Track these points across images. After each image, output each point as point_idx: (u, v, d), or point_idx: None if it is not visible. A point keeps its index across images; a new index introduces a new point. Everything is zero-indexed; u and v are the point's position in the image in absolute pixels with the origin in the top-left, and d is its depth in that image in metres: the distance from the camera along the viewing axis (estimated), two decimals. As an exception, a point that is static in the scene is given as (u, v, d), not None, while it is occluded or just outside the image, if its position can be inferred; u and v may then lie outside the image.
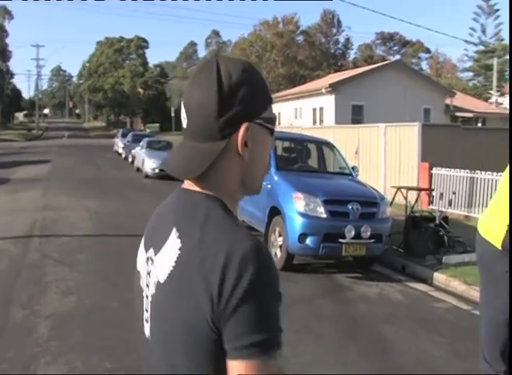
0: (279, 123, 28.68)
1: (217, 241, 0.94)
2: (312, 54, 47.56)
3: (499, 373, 3.60)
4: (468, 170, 11.91)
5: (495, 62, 44.51)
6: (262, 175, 1.11)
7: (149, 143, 21.36)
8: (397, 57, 52.95)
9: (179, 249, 0.98)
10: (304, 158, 9.22)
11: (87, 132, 61.63)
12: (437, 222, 7.91)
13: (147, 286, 1.06)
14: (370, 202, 6.98)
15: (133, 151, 23.12)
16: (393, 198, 9.07)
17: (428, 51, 59.74)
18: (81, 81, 70.49)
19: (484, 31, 49.61)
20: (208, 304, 0.91)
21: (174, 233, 1.01)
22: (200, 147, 1.02)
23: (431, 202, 11.64)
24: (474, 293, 5.76)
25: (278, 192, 7.56)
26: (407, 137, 13.61)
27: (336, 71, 39.40)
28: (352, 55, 58.61)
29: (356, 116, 24.30)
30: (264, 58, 38.36)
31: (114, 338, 4.46)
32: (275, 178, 7.80)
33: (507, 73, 50.60)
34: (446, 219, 8.20)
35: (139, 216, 10.65)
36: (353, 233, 6.53)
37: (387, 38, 58.21)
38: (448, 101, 27.89)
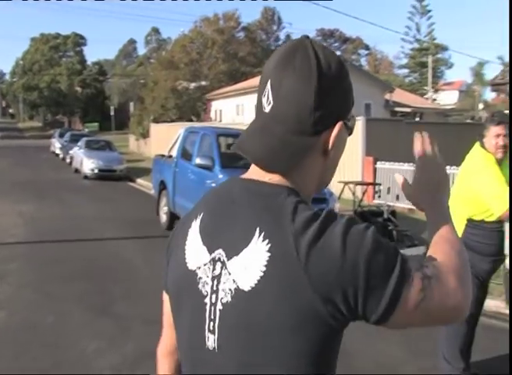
0: (221, 120, 28.38)
1: (328, 251, 0.86)
2: (253, 51, 47.48)
3: (459, 371, 3.56)
4: (412, 163, 12.04)
5: (429, 59, 45.84)
6: (330, 179, 1.06)
7: (88, 143, 20.68)
8: (338, 53, 53.46)
9: (269, 252, 0.88)
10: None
11: (22, 132, 59.05)
12: (385, 216, 7.85)
13: (214, 292, 0.94)
14: (319, 198, 6.73)
15: (70, 151, 22.37)
16: (341, 193, 8.95)
17: (367, 47, 61.01)
18: (15, 79, 67.59)
19: (418, 30, 51.01)
20: (340, 312, 0.86)
21: (258, 235, 0.90)
22: (291, 140, 0.94)
23: (378, 196, 11.68)
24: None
25: (224, 191, 7.28)
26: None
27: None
28: (292, 51, 58.93)
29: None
30: (205, 54, 37.80)
31: (47, 359, 4.05)
32: (220, 176, 7.51)
33: (440, 70, 52.37)
34: (393, 213, 8.16)
35: (77, 220, 10.14)
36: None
37: (328, 35, 58.91)
38: (387, 96, 28.46)
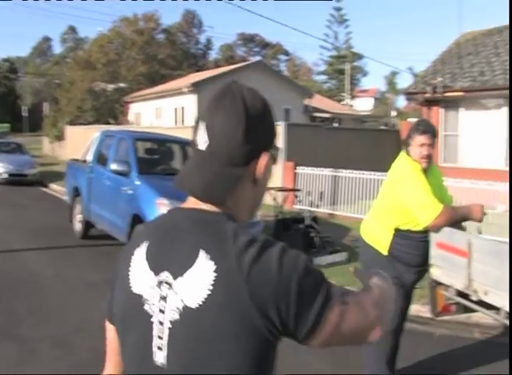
0: (139, 124, 27.71)
1: (266, 268, 0.98)
2: (173, 53, 46.98)
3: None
4: (332, 169, 12.25)
5: (347, 66, 47.39)
6: (259, 203, 1.16)
7: (-4, 145, 19.44)
8: (258, 58, 54.14)
9: (215, 272, 0.98)
10: (167, 160, 8.70)
11: None
12: (307, 223, 7.86)
13: (161, 311, 1.03)
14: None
15: (-23, 154, 20.90)
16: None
17: (286, 53, 62.05)
18: None
19: (336, 38, 52.62)
20: (274, 326, 0.98)
21: (203, 256, 1.00)
22: (225, 172, 1.06)
23: (299, 201, 11.75)
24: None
25: (140, 198, 6.98)
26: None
27: (197, 71, 39.18)
28: (213, 55, 59.03)
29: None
30: (124, 55, 36.84)
31: None
32: (137, 183, 7.21)
33: (356, 77, 54.26)
34: (315, 219, 8.20)
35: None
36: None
37: (248, 39, 59.37)
38: (306, 101, 28.98)
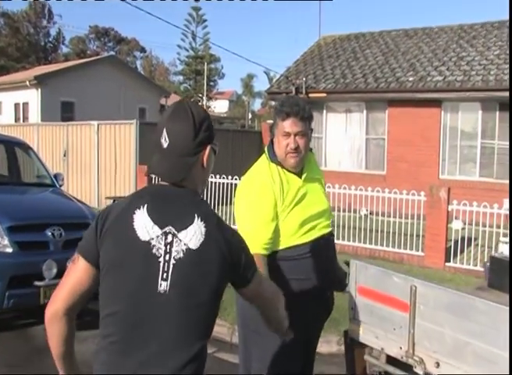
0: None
1: (223, 227, 1.58)
2: (18, 44, 42.68)
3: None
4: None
5: (205, 67, 46.60)
6: (207, 181, 1.72)
7: None
8: (112, 54, 51.19)
9: (205, 227, 1.52)
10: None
11: None
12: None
13: (167, 253, 1.47)
14: (78, 224, 5.12)
15: None
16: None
17: (143, 50, 59.46)
18: None
19: (194, 38, 51.57)
20: (226, 266, 1.54)
21: (197, 218, 1.52)
22: (182, 160, 1.57)
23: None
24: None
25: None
26: (124, 136, 12.17)
27: (46, 64, 35.67)
28: (64, 49, 54.66)
29: (66, 113, 21.78)
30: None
31: None
32: None
33: (213, 79, 53.90)
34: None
35: None
36: (55, 270, 4.66)
37: (102, 33, 55.68)
38: (163, 101, 27.69)
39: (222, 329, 5.30)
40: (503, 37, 13.34)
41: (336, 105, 13.67)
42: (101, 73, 23.76)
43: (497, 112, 11.84)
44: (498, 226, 7.65)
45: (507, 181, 11.62)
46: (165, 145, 1.55)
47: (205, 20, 51.67)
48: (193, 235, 1.46)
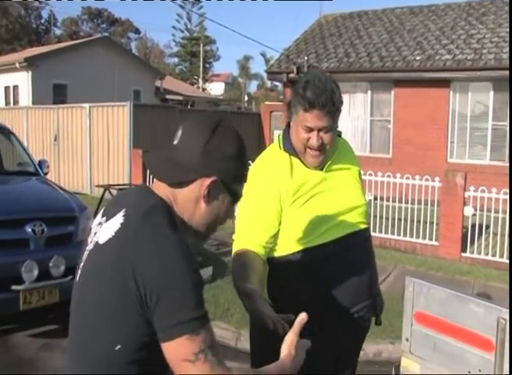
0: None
1: (144, 241, 1.19)
2: (9, 26, 41.74)
3: None
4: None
5: (201, 48, 45.79)
6: (206, 225, 1.35)
7: None
8: (105, 35, 50.15)
9: (121, 224, 1.25)
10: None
11: None
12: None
13: (90, 243, 1.34)
14: (62, 218, 4.56)
15: None
16: (100, 202, 6.85)
17: (137, 31, 58.25)
18: None
19: (189, 19, 50.62)
20: (132, 282, 1.16)
21: (122, 212, 1.27)
22: (181, 165, 1.28)
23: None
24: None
25: None
26: (117, 119, 11.55)
27: (38, 46, 34.77)
28: (57, 31, 53.51)
29: (59, 96, 21.08)
30: None
31: None
32: None
33: (209, 61, 53.09)
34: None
35: None
36: (36, 272, 4.08)
37: (95, 14, 54.41)
38: (158, 83, 27.03)
39: (226, 333, 4.77)
40: (514, 14, 12.73)
41: (339, 85, 13.02)
42: (95, 55, 23.04)
43: (510, 92, 11.29)
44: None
45: (519, 165, 11.14)
46: (175, 142, 1.31)
47: (200, 1, 50.79)
48: (107, 228, 1.27)
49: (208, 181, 1.26)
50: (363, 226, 2.02)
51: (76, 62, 21.98)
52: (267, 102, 19.99)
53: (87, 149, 12.12)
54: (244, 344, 4.59)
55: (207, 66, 52.56)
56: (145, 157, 1.38)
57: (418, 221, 8.17)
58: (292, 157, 1.97)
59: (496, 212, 7.43)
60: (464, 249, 7.50)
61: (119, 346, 1.17)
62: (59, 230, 4.45)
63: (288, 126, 2.03)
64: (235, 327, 4.78)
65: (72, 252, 4.32)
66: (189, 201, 1.28)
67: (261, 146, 16.01)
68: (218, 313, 5.01)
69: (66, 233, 4.49)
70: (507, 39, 11.71)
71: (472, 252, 7.46)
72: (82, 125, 12.21)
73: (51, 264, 4.16)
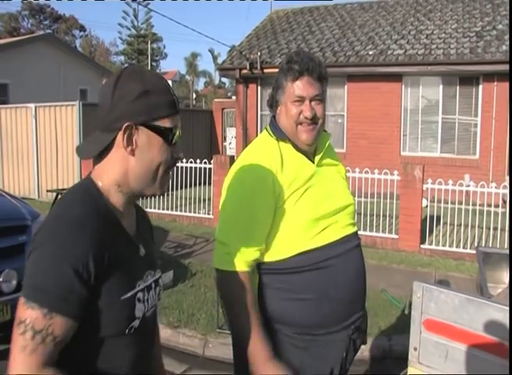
0: None
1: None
2: None
3: None
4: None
5: (149, 46, 44.98)
6: (147, 176, 1.25)
7: None
8: (48, 32, 48.46)
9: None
10: None
11: None
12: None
13: None
14: (12, 227, 4.20)
15: None
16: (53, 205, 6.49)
17: (82, 28, 56.62)
18: None
19: (136, 16, 49.62)
20: None
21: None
22: (94, 135, 1.26)
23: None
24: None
25: None
26: (66, 120, 11.07)
27: (-27, 44, 33.09)
28: (-4, 28, 51.25)
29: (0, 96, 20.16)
30: None
31: None
32: None
33: (156, 59, 52.29)
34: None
35: None
36: (-17, 290, 3.73)
37: (36, 10, 52.42)
38: (104, 81, 26.29)
39: (192, 340, 4.55)
40: (458, 11, 13.07)
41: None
42: (38, 53, 22.13)
43: (457, 87, 11.56)
44: (460, 203, 7.33)
45: (468, 157, 11.42)
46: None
47: (147, -2, 49.89)
48: None
49: (121, 130, 1.20)
50: (353, 228, 1.90)
51: (17, 59, 21.05)
52: (216, 99, 19.76)
53: (34, 151, 11.58)
54: (212, 351, 4.41)
55: (154, 64, 51.77)
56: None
57: (378, 215, 8.21)
58: (288, 144, 1.83)
59: (447, 202, 7.54)
60: (422, 241, 7.57)
61: None
62: (9, 242, 4.07)
63: (273, 118, 1.90)
64: (201, 334, 4.58)
65: (24, 265, 4.01)
66: (117, 164, 1.23)
67: (213, 143, 15.78)
68: (183, 320, 4.80)
69: (18, 244, 4.10)
70: (454, 35, 11.96)
71: (430, 244, 7.57)
72: (27, 126, 11.65)
73: (0, 279, 3.80)
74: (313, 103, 1.77)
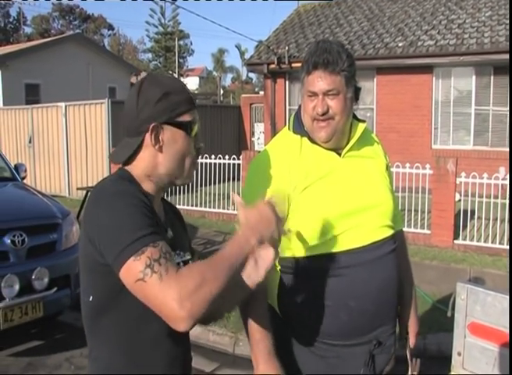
0: None
1: (88, 205, 1.30)
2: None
3: None
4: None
5: (176, 43, 45.21)
6: (176, 167, 1.38)
7: None
8: (78, 32, 49.16)
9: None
10: None
11: None
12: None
13: None
14: (44, 226, 4.22)
15: None
16: (82, 204, 6.54)
17: (111, 27, 57.30)
18: None
19: (163, 14, 49.92)
20: (88, 239, 1.25)
21: None
22: (125, 141, 1.40)
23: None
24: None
25: None
26: (95, 118, 11.17)
27: (7, 45, 33.84)
28: (27, 29, 52.26)
29: (31, 96, 20.47)
30: None
31: None
32: None
33: (183, 56, 52.55)
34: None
35: None
36: (17, 287, 3.77)
37: (66, 11, 53.24)
38: (133, 79, 26.57)
39: (223, 338, 4.52)
40: (492, -2, 12.66)
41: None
42: (67, 53, 22.45)
43: (492, 77, 11.22)
44: (495, 197, 7.09)
45: (502, 149, 11.08)
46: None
47: (173, -6, 50.11)
48: None
49: (149, 130, 1.33)
50: (387, 231, 1.72)
51: (48, 60, 21.39)
52: (244, 95, 19.70)
53: (64, 150, 11.72)
54: (242, 349, 4.36)
55: (181, 60, 52.04)
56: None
57: (409, 210, 8.02)
58: (304, 139, 1.74)
59: (481, 196, 7.33)
60: (456, 236, 7.38)
61: (91, 297, 1.29)
62: (41, 240, 4.13)
63: (299, 108, 1.79)
64: (232, 332, 4.54)
65: (56, 262, 4.06)
66: (147, 161, 1.36)
67: (241, 138, 15.75)
68: (213, 317, 4.77)
69: (49, 242, 4.18)
70: (488, 24, 11.61)
71: (464, 239, 7.37)
72: (58, 125, 11.80)
73: (33, 277, 3.86)
74: (327, 98, 1.66)
